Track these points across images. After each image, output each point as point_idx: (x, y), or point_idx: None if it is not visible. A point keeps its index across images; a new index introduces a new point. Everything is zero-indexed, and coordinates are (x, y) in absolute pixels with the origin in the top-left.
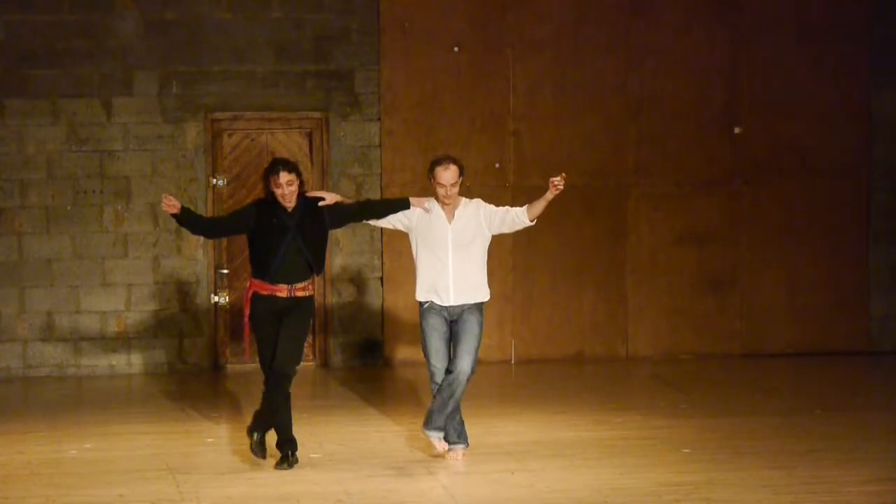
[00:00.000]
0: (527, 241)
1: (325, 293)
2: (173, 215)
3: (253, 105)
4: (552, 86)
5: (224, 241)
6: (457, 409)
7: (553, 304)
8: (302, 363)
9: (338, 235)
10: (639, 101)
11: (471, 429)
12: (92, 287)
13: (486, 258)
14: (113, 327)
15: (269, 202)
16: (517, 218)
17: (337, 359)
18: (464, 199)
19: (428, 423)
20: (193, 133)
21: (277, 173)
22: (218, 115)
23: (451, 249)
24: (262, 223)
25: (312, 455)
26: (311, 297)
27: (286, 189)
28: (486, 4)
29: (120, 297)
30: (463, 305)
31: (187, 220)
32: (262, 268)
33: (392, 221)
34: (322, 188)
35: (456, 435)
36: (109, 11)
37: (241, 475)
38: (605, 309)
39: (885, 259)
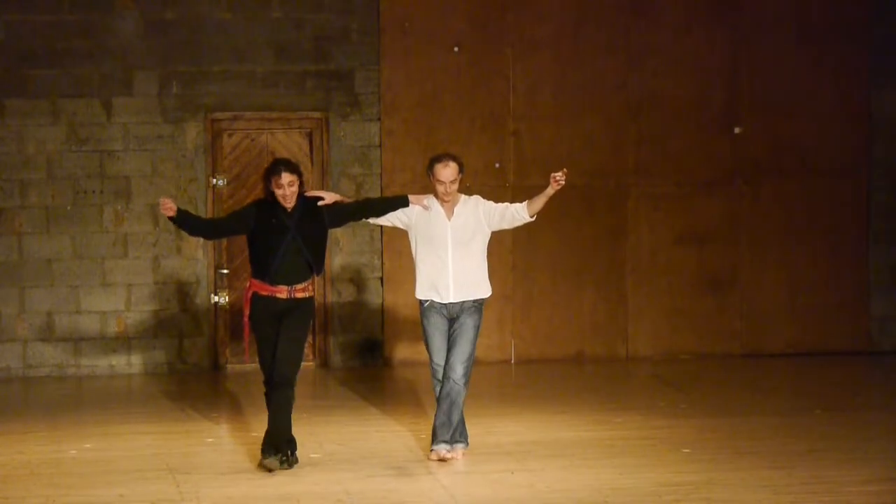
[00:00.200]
0: (527, 241)
1: (325, 293)
2: (170, 218)
3: (253, 105)
4: (552, 86)
5: (224, 241)
6: (461, 419)
7: (553, 304)
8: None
9: (338, 235)
10: (639, 101)
11: (471, 429)
12: (92, 287)
13: (485, 255)
14: (113, 327)
15: (269, 202)
16: (517, 214)
17: (337, 359)
18: (463, 196)
19: (435, 440)
20: (193, 133)
21: (279, 174)
22: (218, 115)
23: (450, 246)
24: (261, 223)
25: (312, 455)
26: (310, 299)
27: (287, 190)
28: (486, 4)
29: (120, 297)
30: (463, 303)
31: (185, 222)
32: (262, 268)
33: (391, 219)
34: (322, 188)
35: (457, 433)
36: (109, 11)
37: (241, 475)
38: (605, 309)
39: (885, 259)
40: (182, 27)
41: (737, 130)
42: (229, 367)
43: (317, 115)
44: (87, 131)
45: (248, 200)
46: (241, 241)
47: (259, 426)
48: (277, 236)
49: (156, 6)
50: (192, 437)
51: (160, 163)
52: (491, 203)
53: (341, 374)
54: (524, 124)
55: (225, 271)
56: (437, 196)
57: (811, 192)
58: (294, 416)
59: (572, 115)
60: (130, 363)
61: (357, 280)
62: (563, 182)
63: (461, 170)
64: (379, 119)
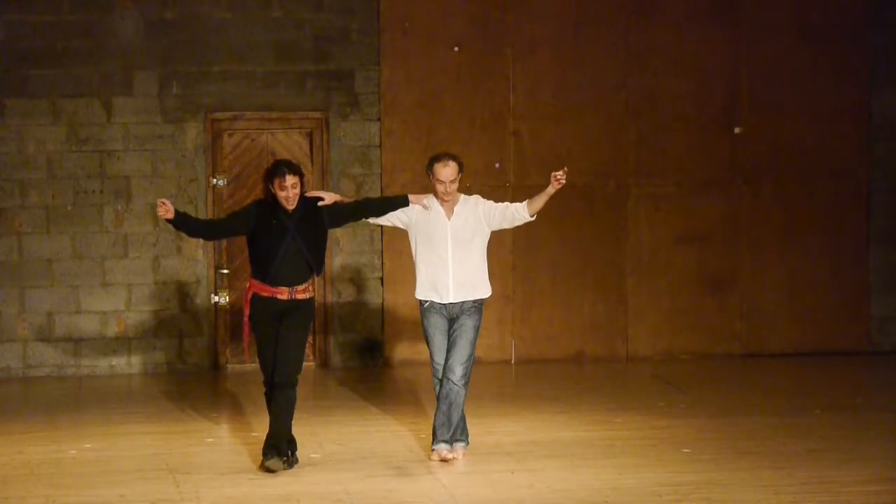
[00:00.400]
0: (527, 241)
1: (325, 293)
2: (169, 220)
3: (253, 105)
4: (552, 86)
5: (224, 241)
6: (461, 419)
7: (553, 304)
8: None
9: (338, 235)
10: (639, 101)
11: (471, 429)
12: (92, 287)
13: (485, 254)
14: (113, 327)
15: (269, 203)
16: (517, 213)
17: (337, 359)
18: (462, 196)
19: (435, 440)
20: (193, 133)
21: (283, 176)
22: (218, 115)
23: (450, 246)
24: (261, 224)
25: (312, 455)
26: (311, 299)
27: (290, 192)
28: (486, 4)
29: (120, 298)
30: (462, 303)
31: (183, 224)
32: (262, 269)
33: (391, 219)
34: (322, 188)
35: (458, 432)
36: (109, 11)
37: (241, 475)
38: (605, 309)
39: (885, 259)
40: (182, 27)
41: (737, 130)
42: (229, 367)
43: (317, 115)
44: (87, 131)
45: (248, 200)
46: (241, 241)
47: (259, 426)
48: (277, 237)
49: (156, 6)
50: (192, 437)
51: (160, 163)
52: (491, 202)
53: (341, 374)
54: (524, 124)
55: (225, 271)
56: (436, 196)
57: (811, 192)
58: (294, 416)
59: (572, 115)
60: (130, 363)
61: (357, 280)
62: (564, 181)
63: (461, 169)
64: (379, 119)
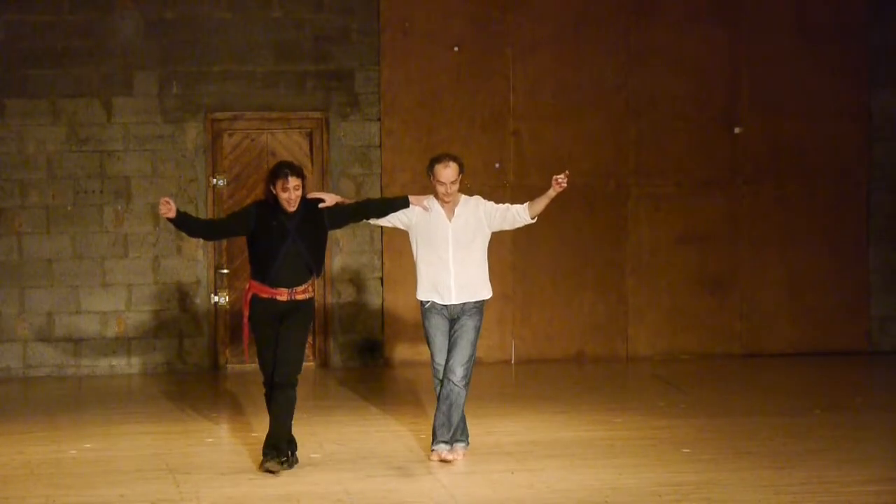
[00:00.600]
0: (527, 241)
1: (324, 293)
2: (170, 219)
3: (253, 105)
4: (552, 86)
5: (224, 241)
6: (462, 420)
7: (553, 304)
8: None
9: (338, 235)
10: (639, 101)
11: (471, 429)
12: (92, 287)
13: (486, 255)
14: (113, 327)
15: (269, 204)
16: (518, 215)
17: (337, 359)
18: (463, 197)
19: (434, 440)
20: (193, 133)
21: (286, 177)
22: (218, 115)
23: (451, 247)
24: (261, 225)
25: (312, 455)
26: (311, 300)
27: (293, 193)
28: (486, 4)
29: (120, 298)
30: (464, 304)
31: (184, 223)
32: (262, 271)
33: (392, 220)
34: (322, 188)
35: (458, 433)
36: (109, 11)
37: (241, 475)
38: (605, 309)
39: (885, 259)
40: (182, 27)
41: (737, 130)
42: (229, 367)
43: (317, 115)
44: (87, 131)
45: (248, 200)
46: (241, 241)
47: (259, 426)
48: (277, 239)
49: (156, 6)
50: (192, 437)
51: (160, 163)
52: (492, 204)
53: (341, 374)
54: (524, 124)
55: (225, 271)
56: (437, 197)
57: (811, 192)
58: (294, 416)
59: (572, 115)
60: (130, 363)
61: (357, 280)
62: (566, 184)
63: (462, 170)
64: (379, 119)
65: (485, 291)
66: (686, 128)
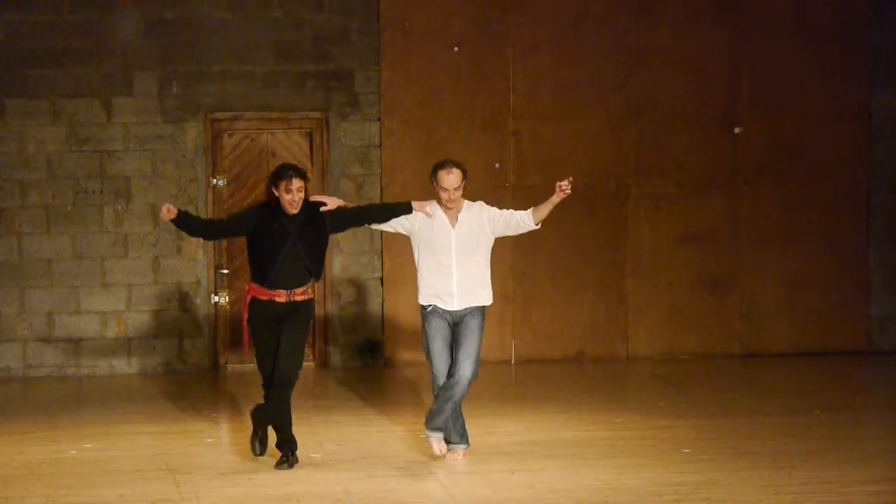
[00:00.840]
0: (527, 241)
1: (324, 294)
2: (171, 220)
3: (253, 105)
4: (552, 86)
5: (224, 241)
6: (457, 412)
7: (553, 304)
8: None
9: (338, 236)
10: (639, 101)
11: (471, 429)
12: (92, 287)
13: (489, 261)
14: (113, 328)
15: (271, 206)
16: (522, 221)
17: (337, 359)
18: (466, 202)
19: (428, 423)
20: (193, 133)
21: (290, 179)
22: (218, 115)
23: (454, 254)
24: (262, 228)
25: (312, 455)
26: (310, 301)
27: (296, 195)
28: (486, 4)
29: (120, 298)
30: (466, 309)
31: (185, 223)
32: (261, 273)
33: (394, 226)
34: (322, 188)
35: (458, 436)
36: (109, 11)
37: (241, 475)
38: (605, 309)
39: (885, 259)
40: (182, 27)
41: (737, 130)
42: (229, 367)
43: (317, 115)
44: (87, 131)
45: (248, 200)
46: (241, 241)
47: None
48: (278, 242)
49: (156, 6)
50: (192, 437)
51: (160, 163)
52: (495, 209)
53: (341, 374)
54: (524, 124)
55: (225, 271)
56: (440, 203)
57: (811, 192)
58: (294, 416)
59: (572, 115)
60: (130, 363)
61: (357, 280)
62: (569, 191)
63: (465, 176)
64: (379, 119)
65: (486, 297)
66: (686, 128)
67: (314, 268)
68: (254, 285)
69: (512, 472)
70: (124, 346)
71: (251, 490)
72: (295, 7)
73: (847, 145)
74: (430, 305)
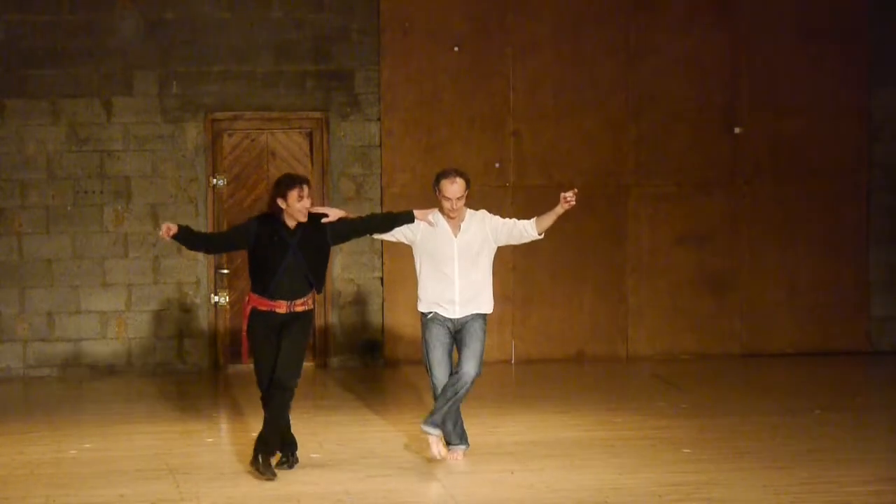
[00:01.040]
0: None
1: (325, 294)
2: (172, 236)
3: (253, 105)
4: (552, 86)
5: None
6: (457, 410)
7: (553, 304)
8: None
9: None
10: (639, 101)
11: (471, 429)
12: (92, 287)
13: (491, 270)
14: (113, 327)
15: (272, 217)
16: (525, 231)
17: (337, 359)
18: (469, 211)
19: (427, 420)
20: (193, 133)
21: (302, 186)
22: (218, 115)
23: (457, 263)
24: (262, 239)
25: (312, 455)
26: (310, 311)
27: (307, 202)
28: (486, 4)
29: (120, 298)
30: (467, 316)
31: (186, 238)
32: (262, 284)
33: (396, 235)
34: (322, 188)
35: (457, 437)
36: (109, 11)
37: (241, 475)
38: (605, 309)
39: (885, 259)
40: (182, 27)
41: (737, 130)
42: (229, 367)
43: (317, 115)
44: (87, 131)
45: (249, 200)
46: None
47: (258, 426)
48: (278, 253)
49: (156, 6)
50: (192, 437)
51: (160, 163)
52: (498, 218)
53: (341, 374)
54: (524, 124)
55: (225, 271)
56: (443, 212)
57: (811, 192)
58: (294, 416)
59: (572, 115)
60: (130, 363)
61: (357, 280)
62: (574, 202)
63: (468, 186)
64: (379, 119)
65: (487, 306)
66: (686, 128)
67: (315, 279)
68: (254, 296)
69: (512, 472)
70: (124, 346)
71: (251, 490)
72: (295, 7)
73: (847, 145)
74: (430, 312)
